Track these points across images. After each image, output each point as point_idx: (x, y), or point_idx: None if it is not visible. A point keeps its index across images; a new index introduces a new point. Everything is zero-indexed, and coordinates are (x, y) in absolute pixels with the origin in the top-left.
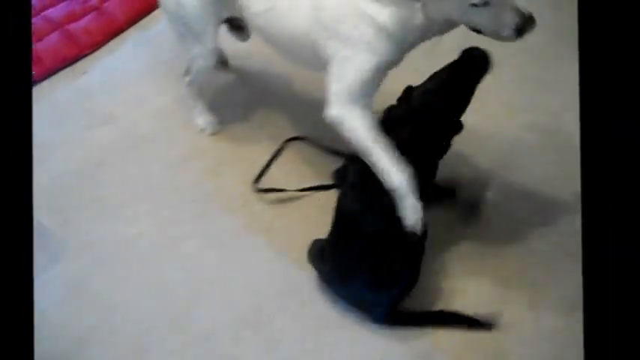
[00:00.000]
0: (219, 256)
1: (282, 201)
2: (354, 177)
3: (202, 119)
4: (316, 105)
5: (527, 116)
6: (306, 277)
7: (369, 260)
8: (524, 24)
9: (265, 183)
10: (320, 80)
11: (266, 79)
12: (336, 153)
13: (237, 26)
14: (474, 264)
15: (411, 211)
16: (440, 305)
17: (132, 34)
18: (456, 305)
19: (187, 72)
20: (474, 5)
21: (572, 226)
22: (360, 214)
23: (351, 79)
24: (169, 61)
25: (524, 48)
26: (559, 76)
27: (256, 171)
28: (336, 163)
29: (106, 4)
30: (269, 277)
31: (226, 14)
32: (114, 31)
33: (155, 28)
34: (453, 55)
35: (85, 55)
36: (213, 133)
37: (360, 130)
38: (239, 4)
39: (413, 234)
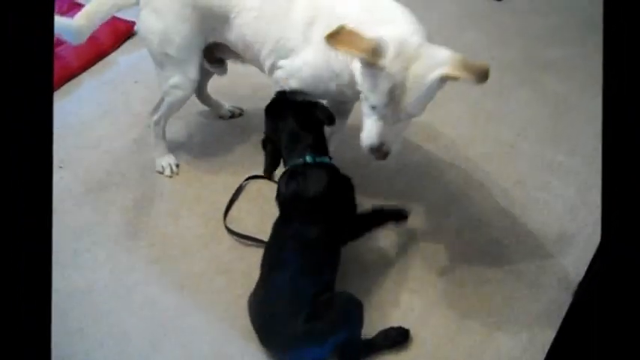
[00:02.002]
0: (178, 302)
1: (241, 243)
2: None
3: (162, 160)
4: None
5: (481, 147)
6: None
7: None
8: (376, 151)
9: (227, 222)
10: None
11: (224, 119)
12: None
13: (217, 59)
14: (431, 295)
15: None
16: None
17: (86, 79)
18: (414, 336)
19: (155, 110)
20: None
21: (525, 254)
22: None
23: (302, 73)
24: (124, 104)
25: None
26: (509, 107)
27: (216, 213)
28: None
29: (59, 49)
30: (229, 321)
31: (211, 40)
32: (68, 75)
33: (110, 72)
34: None
35: None
36: (172, 175)
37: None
38: (226, 22)
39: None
